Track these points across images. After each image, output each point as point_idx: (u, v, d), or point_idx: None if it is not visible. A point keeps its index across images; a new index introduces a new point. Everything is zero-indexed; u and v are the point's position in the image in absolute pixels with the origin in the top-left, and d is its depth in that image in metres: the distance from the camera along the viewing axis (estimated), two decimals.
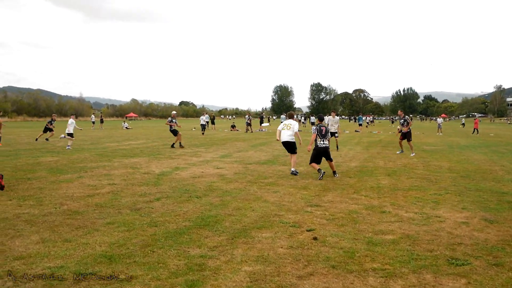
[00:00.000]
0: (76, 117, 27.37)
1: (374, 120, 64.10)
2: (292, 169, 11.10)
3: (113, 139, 25.20)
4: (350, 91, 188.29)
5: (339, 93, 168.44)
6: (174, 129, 19.58)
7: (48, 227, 5.76)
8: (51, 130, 24.56)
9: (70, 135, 18.95)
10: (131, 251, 4.82)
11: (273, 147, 19.86)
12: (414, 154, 16.06)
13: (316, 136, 10.62)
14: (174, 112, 21.21)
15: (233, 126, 40.84)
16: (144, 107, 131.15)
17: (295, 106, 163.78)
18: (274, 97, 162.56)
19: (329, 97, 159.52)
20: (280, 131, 11.41)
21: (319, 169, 10.31)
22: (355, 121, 68.15)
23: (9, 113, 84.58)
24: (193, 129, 39.15)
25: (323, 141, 10.58)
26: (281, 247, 5.01)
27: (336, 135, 18.67)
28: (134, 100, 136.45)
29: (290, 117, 12.06)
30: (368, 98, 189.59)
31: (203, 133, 31.76)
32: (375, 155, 16.03)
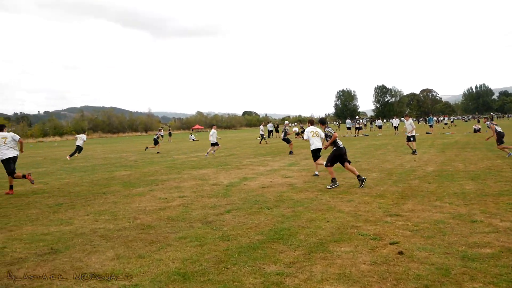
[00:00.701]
0: (146, 131, 28.93)
1: (451, 121, 59.45)
2: (316, 172, 12.02)
3: (181, 151, 25.76)
4: (417, 92, 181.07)
5: (405, 94, 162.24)
6: (287, 138, 20.42)
7: (122, 242, 5.74)
8: (158, 142, 26.77)
9: (215, 144, 20.68)
10: (205, 267, 4.62)
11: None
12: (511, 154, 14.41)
13: (336, 138, 10.04)
14: (286, 121, 22.08)
15: (297, 134, 40.37)
16: (209, 118, 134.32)
17: (359, 110, 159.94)
18: (337, 102, 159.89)
19: (395, 99, 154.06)
20: (310, 140, 11.76)
21: (334, 178, 9.86)
22: (425, 122, 64.95)
23: (86, 130, 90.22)
24: (257, 139, 39.14)
25: (340, 141, 10.15)
26: (364, 263, 4.58)
27: (412, 138, 17.81)
28: (199, 113, 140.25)
29: (312, 123, 12.29)
30: (437, 97, 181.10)
31: (260, 142, 31.86)
32: (453, 158, 14.93)
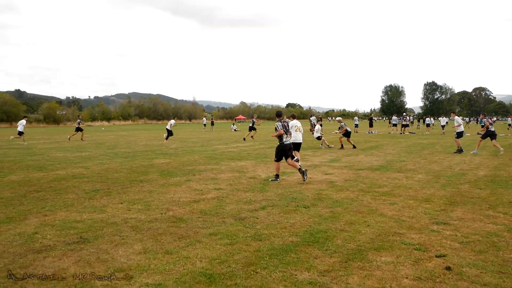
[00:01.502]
0: (190, 120, 29.71)
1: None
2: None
3: (222, 141, 25.74)
4: (469, 90, 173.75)
5: (456, 92, 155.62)
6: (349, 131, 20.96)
7: (151, 235, 5.58)
8: (255, 129, 28.36)
9: (319, 138, 20.78)
10: (233, 269, 4.36)
11: (385, 151, 18.50)
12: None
13: (282, 134, 10.32)
14: (339, 118, 22.40)
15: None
16: (253, 109, 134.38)
17: (406, 106, 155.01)
18: (383, 98, 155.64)
19: (445, 96, 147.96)
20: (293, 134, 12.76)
21: (278, 175, 10.33)
22: (477, 123, 61.99)
23: (132, 116, 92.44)
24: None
25: (287, 137, 10.42)
26: (406, 277, 4.16)
27: (456, 135, 17.38)
28: (243, 103, 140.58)
29: (294, 117, 13.48)
30: (490, 96, 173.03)
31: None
32: (507, 162, 13.94)
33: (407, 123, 37.74)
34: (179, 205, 7.46)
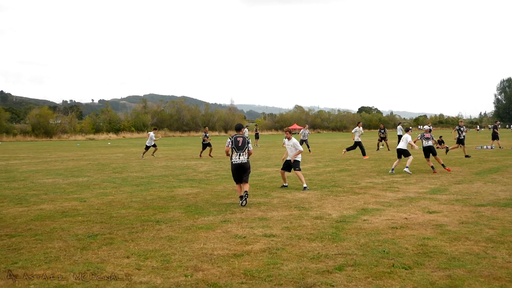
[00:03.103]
0: (226, 131, 29.18)
1: None
2: (305, 185, 14.56)
3: (271, 162, 25.30)
4: None
5: None
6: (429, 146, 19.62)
7: None
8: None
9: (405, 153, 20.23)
10: None
11: None
12: None
13: (232, 150, 12.03)
14: (426, 126, 21.24)
15: (440, 142, 38.14)
16: (312, 116, 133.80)
17: None
18: (499, 97, 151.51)
19: None
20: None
21: (241, 196, 11.77)
22: None
23: (148, 127, 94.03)
24: (381, 147, 37.61)
25: (238, 155, 11.94)
26: None
27: None
28: (298, 107, 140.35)
29: (291, 133, 15.23)
30: None
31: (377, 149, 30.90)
32: None
33: None
34: (212, 262, 6.96)
